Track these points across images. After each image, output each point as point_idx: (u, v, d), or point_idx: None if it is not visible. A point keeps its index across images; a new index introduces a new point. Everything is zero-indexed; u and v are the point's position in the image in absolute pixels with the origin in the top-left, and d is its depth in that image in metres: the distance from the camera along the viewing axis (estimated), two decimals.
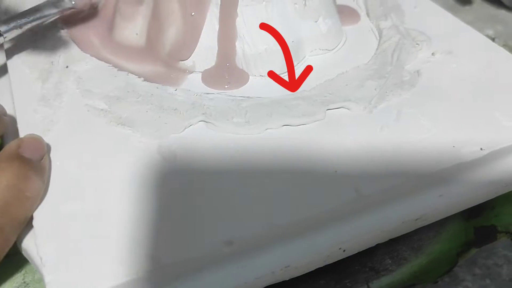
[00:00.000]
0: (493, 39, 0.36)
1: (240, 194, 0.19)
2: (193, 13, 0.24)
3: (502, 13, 0.50)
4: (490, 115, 0.23)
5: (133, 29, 0.26)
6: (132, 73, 0.25)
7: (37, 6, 0.26)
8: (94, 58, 0.25)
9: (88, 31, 0.27)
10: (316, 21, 0.26)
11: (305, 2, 0.26)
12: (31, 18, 0.25)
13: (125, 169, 0.20)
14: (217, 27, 0.25)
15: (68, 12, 0.27)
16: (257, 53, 0.25)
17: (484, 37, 0.29)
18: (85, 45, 0.26)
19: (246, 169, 0.20)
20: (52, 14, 0.26)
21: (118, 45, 0.26)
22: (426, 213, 0.20)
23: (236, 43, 0.25)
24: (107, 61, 0.25)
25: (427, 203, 0.21)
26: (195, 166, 0.20)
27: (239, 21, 0.24)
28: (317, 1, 0.26)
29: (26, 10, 0.25)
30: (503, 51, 0.27)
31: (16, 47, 0.26)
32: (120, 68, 0.25)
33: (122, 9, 0.26)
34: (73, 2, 0.26)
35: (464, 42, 0.28)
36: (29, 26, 0.25)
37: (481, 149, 0.21)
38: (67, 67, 0.25)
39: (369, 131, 0.22)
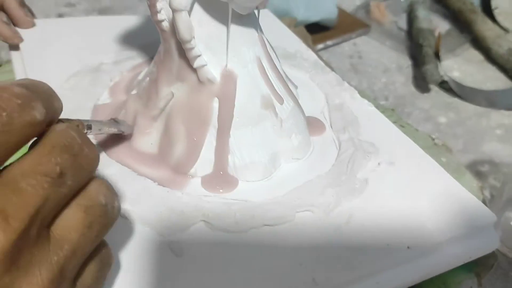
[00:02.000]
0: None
1: (226, 282, 0.26)
2: (195, 138, 0.32)
3: (455, 101, 0.59)
4: (418, 220, 0.31)
5: (148, 140, 0.34)
6: (147, 177, 0.32)
7: (103, 121, 0.31)
8: (118, 163, 0.33)
9: (113, 140, 0.34)
10: (289, 138, 0.34)
11: (281, 124, 0.34)
12: (98, 129, 0.29)
13: (142, 265, 0.27)
14: (214, 143, 0.32)
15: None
16: (244, 164, 0.32)
17: (420, 149, 0.37)
18: (111, 151, 0.33)
19: (232, 262, 0.28)
20: (111, 131, 0.32)
21: (136, 152, 0.34)
22: None
23: (229, 156, 0.32)
24: (128, 166, 0.33)
25: None
26: (197, 260, 0.27)
27: (231, 140, 0.32)
28: (290, 123, 0.34)
29: (96, 121, 0.30)
30: (433, 162, 0.36)
31: None
32: (139, 173, 0.32)
33: (140, 123, 0.34)
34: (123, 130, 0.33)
35: (404, 154, 0.36)
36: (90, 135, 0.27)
37: (408, 247, 0.29)
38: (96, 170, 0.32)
39: (326, 231, 0.30)
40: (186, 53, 0.30)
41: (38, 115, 0.18)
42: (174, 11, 0.28)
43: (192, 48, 0.30)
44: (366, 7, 0.76)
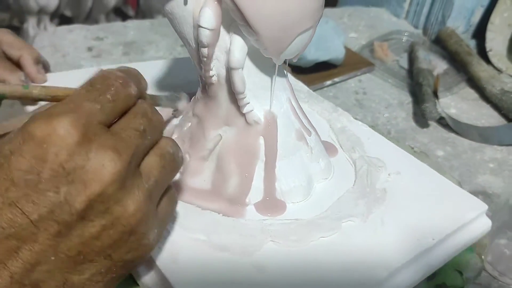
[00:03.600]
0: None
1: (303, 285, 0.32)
2: (246, 174, 0.37)
3: (452, 136, 0.63)
4: (432, 217, 0.38)
5: (201, 178, 0.39)
6: (210, 209, 0.37)
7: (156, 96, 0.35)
8: (180, 201, 0.37)
9: (174, 185, 0.38)
10: (318, 162, 0.41)
11: (311, 151, 0.40)
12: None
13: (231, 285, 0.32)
14: (262, 174, 0.38)
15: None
16: (289, 189, 0.38)
17: (414, 158, 0.45)
18: None
19: (303, 269, 0.33)
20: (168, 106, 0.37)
21: (191, 189, 0.38)
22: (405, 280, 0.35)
23: (276, 184, 0.38)
24: (189, 203, 0.37)
25: (408, 276, 0.35)
26: (276, 272, 0.33)
27: (277, 170, 0.38)
28: (317, 150, 0.41)
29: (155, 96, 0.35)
30: (429, 169, 0.44)
31: None
32: (202, 208, 0.37)
33: (191, 164, 0.39)
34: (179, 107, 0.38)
35: (404, 164, 0.44)
36: None
37: (432, 239, 0.37)
38: None
39: (368, 234, 0.36)
40: (238, 101, 0.36)
41: (133, 91, 0.27)
42: (232, 69, 0.34)
43: (244, 97, 0.36)
44: (370, 47, 0.82)
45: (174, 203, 0.31)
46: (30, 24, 1.45)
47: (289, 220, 0.37)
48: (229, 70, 0.35)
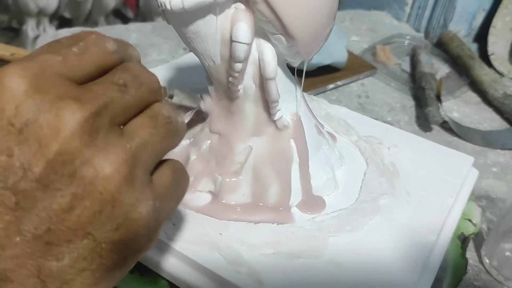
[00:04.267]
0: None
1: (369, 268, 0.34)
2: (286, 181, 0.38)
3: (455, 140, 0.63)
4: (442, 181, 0.43)
5: (239, 192, 0.38)
6: (258, 222, 0.37)
7: (186, 95, 0.34)
8: (230, 222, 0.36)
9: (214, 206, 0.37)
10: (334, 151, 0.43)
11: (328, 143, 0.42)
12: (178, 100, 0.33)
13: None
14: (298, 175, 0.39)
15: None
16: (322, 183, 0.40)
17: (397, 128, 0.49)
18: (217, 214, 0.37)
19: (370, 253, 0.35)
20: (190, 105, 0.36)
21: (233, 206, 0.38)
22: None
23: (311, 181, 0.39)
24: (240, 220, 0.36)
25: (447, 232, 0.39)
26: (349, 263, 0.34)
27: (311, 168, 0.39)
28: (330, 141, 0.43)
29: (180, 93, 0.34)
30: (415, 136, 0.49)
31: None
32: (254, 222, 0.36)
33: (225, 182, 0.38)
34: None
35: (394, 136, 0.48)
36: None
37: (451, 197, 0.41)
38: (220, 234, 0.35)
39: (402, 206, 0.40)
40: (270, 110, 0.36)
41: (109, 47, 0.23)
42: (269, 79, 0.34)
43: (277, 105, 0.36)
44: (372, 50, 0.81)
45: (182, 178, 0.26)
46: (30, 26, 1.43)
47: (335, 212, 0.38)
48: (264, 80, 0.34)
